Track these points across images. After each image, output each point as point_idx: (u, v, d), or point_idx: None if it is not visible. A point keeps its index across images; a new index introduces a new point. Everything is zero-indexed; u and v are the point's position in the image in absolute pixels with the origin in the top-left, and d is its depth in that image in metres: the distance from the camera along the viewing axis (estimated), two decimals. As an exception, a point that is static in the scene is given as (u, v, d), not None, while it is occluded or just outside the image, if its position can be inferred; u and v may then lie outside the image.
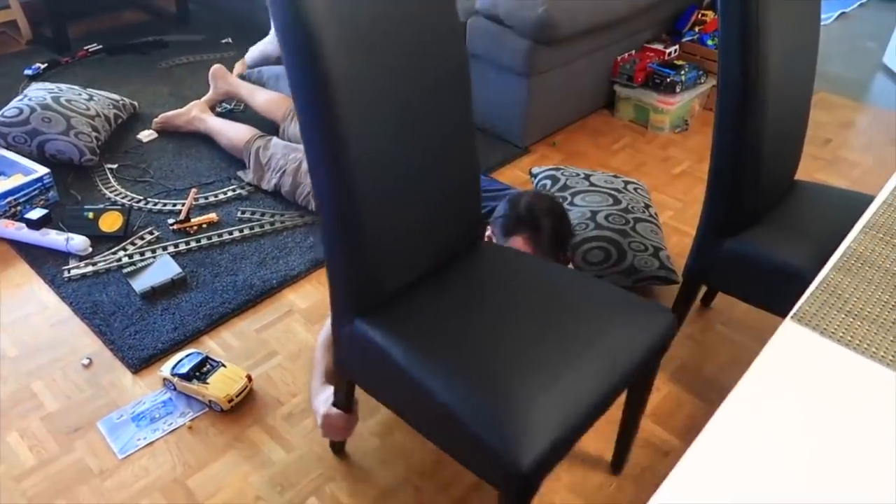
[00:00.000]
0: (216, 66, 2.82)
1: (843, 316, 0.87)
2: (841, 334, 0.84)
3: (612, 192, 2.23)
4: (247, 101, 2.78)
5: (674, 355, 1.83)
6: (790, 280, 1.41)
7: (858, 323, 0.86)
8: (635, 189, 2.31)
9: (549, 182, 2.32)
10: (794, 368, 0.81)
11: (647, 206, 2.23)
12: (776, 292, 1.45)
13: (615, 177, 2.36)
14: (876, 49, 3.67)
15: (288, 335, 1.87)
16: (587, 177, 2.33)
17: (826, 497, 0.66)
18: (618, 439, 1.52)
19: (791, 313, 0.88)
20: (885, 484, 0.67)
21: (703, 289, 2.00)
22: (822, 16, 4.10)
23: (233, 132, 2.54)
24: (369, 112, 1.07)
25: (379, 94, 1.08)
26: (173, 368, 1.69)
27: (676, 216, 2.38)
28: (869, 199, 1.57)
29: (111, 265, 2.05)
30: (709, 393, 1.74)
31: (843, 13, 4.19)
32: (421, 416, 1.20)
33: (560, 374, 1.11)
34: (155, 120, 2.73)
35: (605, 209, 2.13)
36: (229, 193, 2.38)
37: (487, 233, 1.75)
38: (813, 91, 1.61)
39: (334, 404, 1.46)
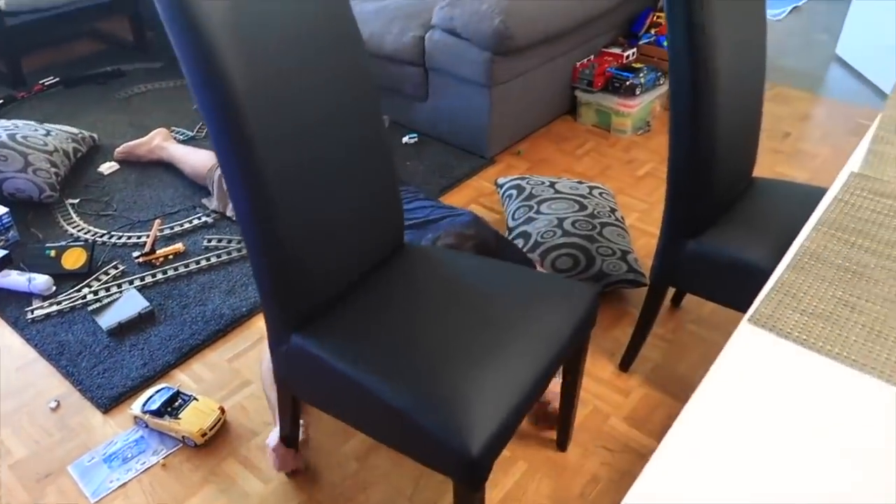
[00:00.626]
0: None
1: (798, 315, 0.88)
2: (797, 334, 0.85)
3: (578, 199, 2.25)
4: None
5: (646, 357, 1.84)
6: (753, 277, 1.42)
7: (814, 322, 0.87)
8: (600, 194, 2.32)
9: (514, 192, 2.33)
10: (753, 371, 0.81)
11: (612, 210, 2.25)
12: (740, 290, 1.46)
13: (580, 182, 2.37)
14: (829, 41, 3.75)
15: (260, 363, 1.85)
16: (552, 184, 2.34)
17: (790, 494, 0.66)
18: (560, 419, 1.57)
19: (747, 315, 0.89)
20: (846, 479, 0.68)
21: (673, 289, 2.01)
22: (775, 11, 4.18)
23: (195, 159, 2.52)
24: (279, 128, 1.08)
25: (287, 109, 1.10)
26: (144, 405, 1.66)
27: (643, 218, 2.40)
28: (824, 193, 1.60)
29: (76, 303, 2.02)
30: (683, 393, 1.75)
31: (795, 7, 4.27)
32: (370, 421, 1.22)
33: (496, 360, 1.17)
34: (117, 150, 2.70)
35: (571, 216, 2.15)
36: (195, 222, 2.36)
37: None
38: (764, 88, 1.63)
39: (281, 431, 1.48)
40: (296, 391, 1.37)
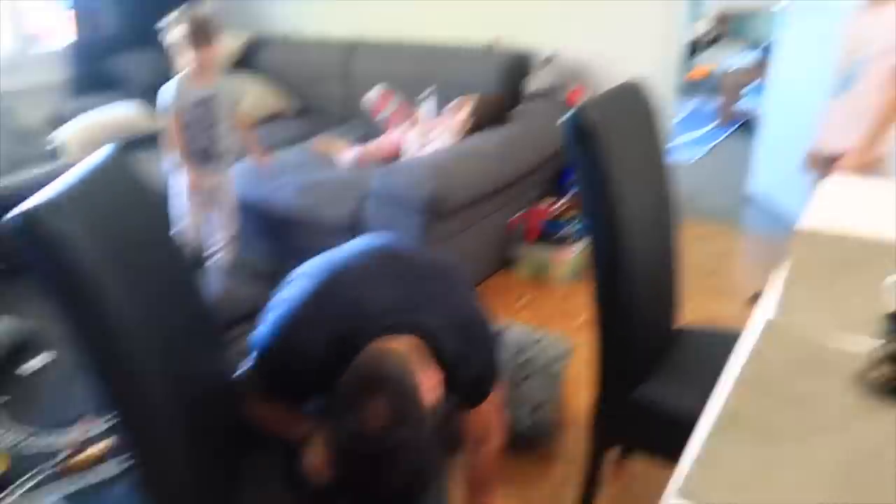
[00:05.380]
0: None
1: (719, 481, 0.88)
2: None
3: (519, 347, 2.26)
4: None
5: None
6: (686, 431, 1.42)
7: (735, 487, 0.86)
8: (548, 344, 2.33)
9: None
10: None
11: (555, 361, 2.25)
12: (676, 444, 1.45)
13: (534, 330, 2.38)
14: (742, 179, 4.04)
15: None
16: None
17: None
18: None
19: (673, 489, 0.88)
20: None
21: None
22: (691, 153, 4.53)
23: None
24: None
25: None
26: None
27: (587, 367, 2.41)
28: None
29: (-6, 515, 1.87)
30: None
31: (709, 149, 4.64)
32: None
33: None
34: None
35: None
36: (130, 410, 2.26)
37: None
38: (678, 236, 1.71)
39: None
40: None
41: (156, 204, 1.34)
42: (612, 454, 1.83)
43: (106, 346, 1.03)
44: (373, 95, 3.49)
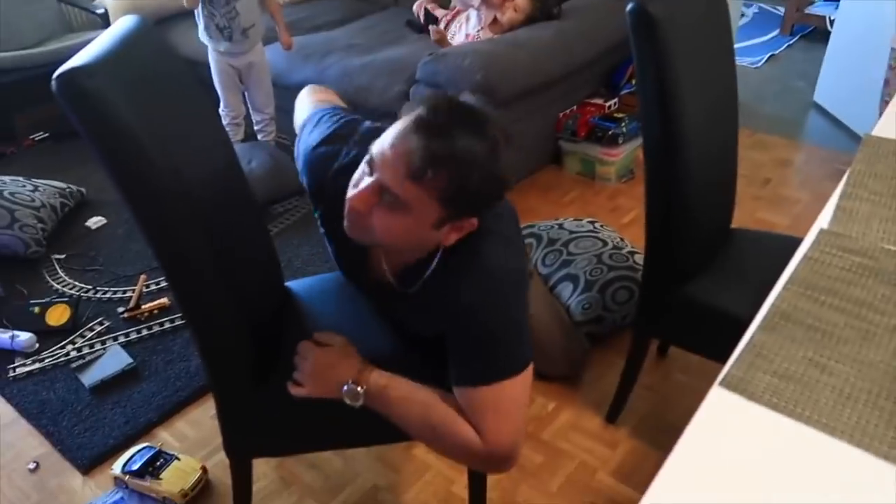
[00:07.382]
0: None
1: (769, 377, 0.89)
2: (768, 397, 0.86)
3: (593, 235, 2.28)
4: None
5: (634, 408, 1.83)
6: (732, 330, 1.43)
7: (784, 384, 0.88)
8: (602, 226, 2.34)
9: (534, 241, 2.31)
10: (724, 438, 0.82)
11: (622, 239, 2.27)
12: (720, 342, 1.46)
13: (577, 220, 2.38)
14: (806, 88, 3.84)
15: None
16: (560, 225, 2.36)
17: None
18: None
19: (718, 379, 0.90)
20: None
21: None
22: (753, 58, 4.29)
23: None
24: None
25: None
26: (125, 466, 1.64)
27: (628, 266, 2.42)
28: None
29: (59, 360, 2.00)
30: (672, 444, 1.72)
31: (772, 55, 4.38)
32: (365, 425, 1.21)
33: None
34: None
35: (603, 250, 2.19)
36: (181, 276, 2.36)
37: None
38: (738, 140, 1.66)
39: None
40: (266, 450, 1.42)
41: (189, 76, 1.27)
42: (655, 344, 1.86)
43: (152, 207, 1.05)
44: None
